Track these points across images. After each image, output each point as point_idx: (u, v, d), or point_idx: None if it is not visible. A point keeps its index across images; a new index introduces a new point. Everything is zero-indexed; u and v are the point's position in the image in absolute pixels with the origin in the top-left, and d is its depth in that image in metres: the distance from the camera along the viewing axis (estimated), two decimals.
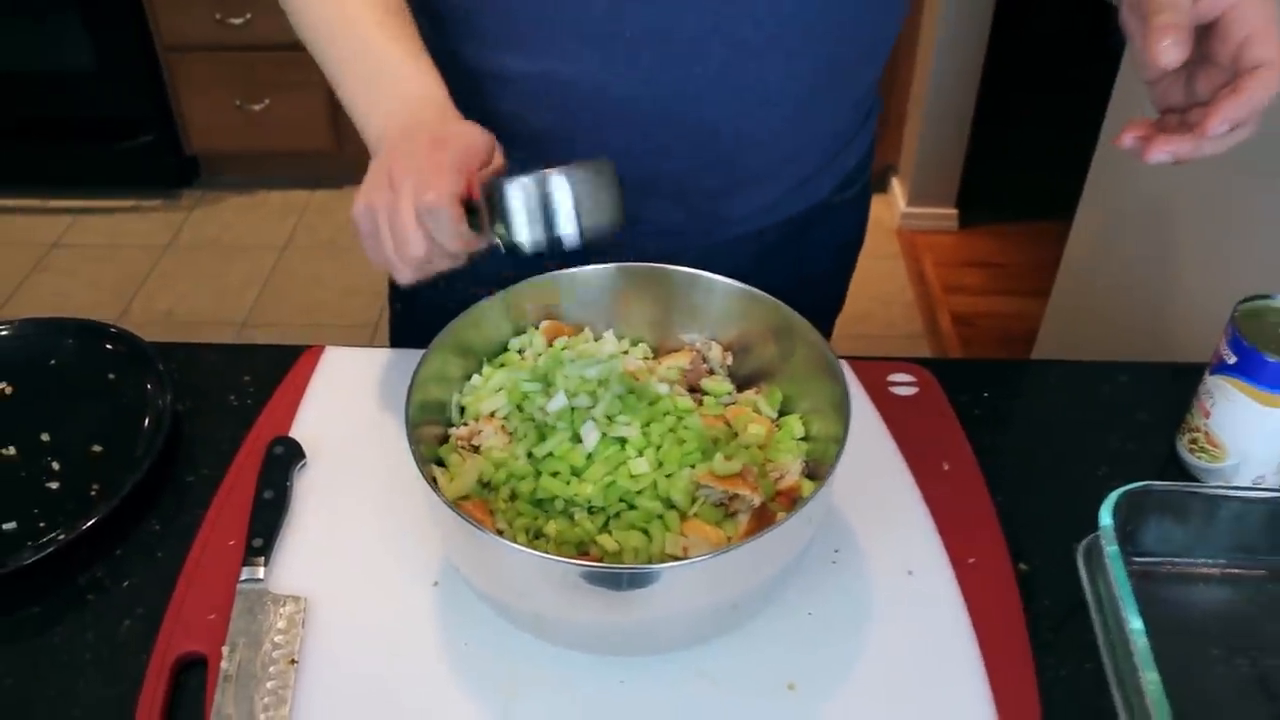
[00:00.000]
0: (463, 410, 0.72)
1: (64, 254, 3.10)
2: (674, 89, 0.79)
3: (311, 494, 0.78)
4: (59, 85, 3.11)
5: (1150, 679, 0.61)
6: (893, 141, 3.04)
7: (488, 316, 0.73)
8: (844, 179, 1.00)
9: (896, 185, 3.11)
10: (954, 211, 3.02)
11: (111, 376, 0.89)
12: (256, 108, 3.13)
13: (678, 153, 0.84)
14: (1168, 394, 0.86)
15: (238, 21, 2.98)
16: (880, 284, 2.86)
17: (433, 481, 0.61)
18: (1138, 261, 1.61)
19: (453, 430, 0.71)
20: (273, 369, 0.90)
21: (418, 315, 1.01)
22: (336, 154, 3.26)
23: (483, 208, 0.65)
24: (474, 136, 0.69)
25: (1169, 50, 0.65)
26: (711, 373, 0.75)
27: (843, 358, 0.88)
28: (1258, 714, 0.67)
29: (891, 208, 3.10)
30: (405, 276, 0.69)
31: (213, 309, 2.88)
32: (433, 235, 0.66)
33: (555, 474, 0.66)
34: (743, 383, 0.75)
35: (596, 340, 0.77)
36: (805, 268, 0.99)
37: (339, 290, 2.90)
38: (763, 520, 0.63)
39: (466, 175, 0.67)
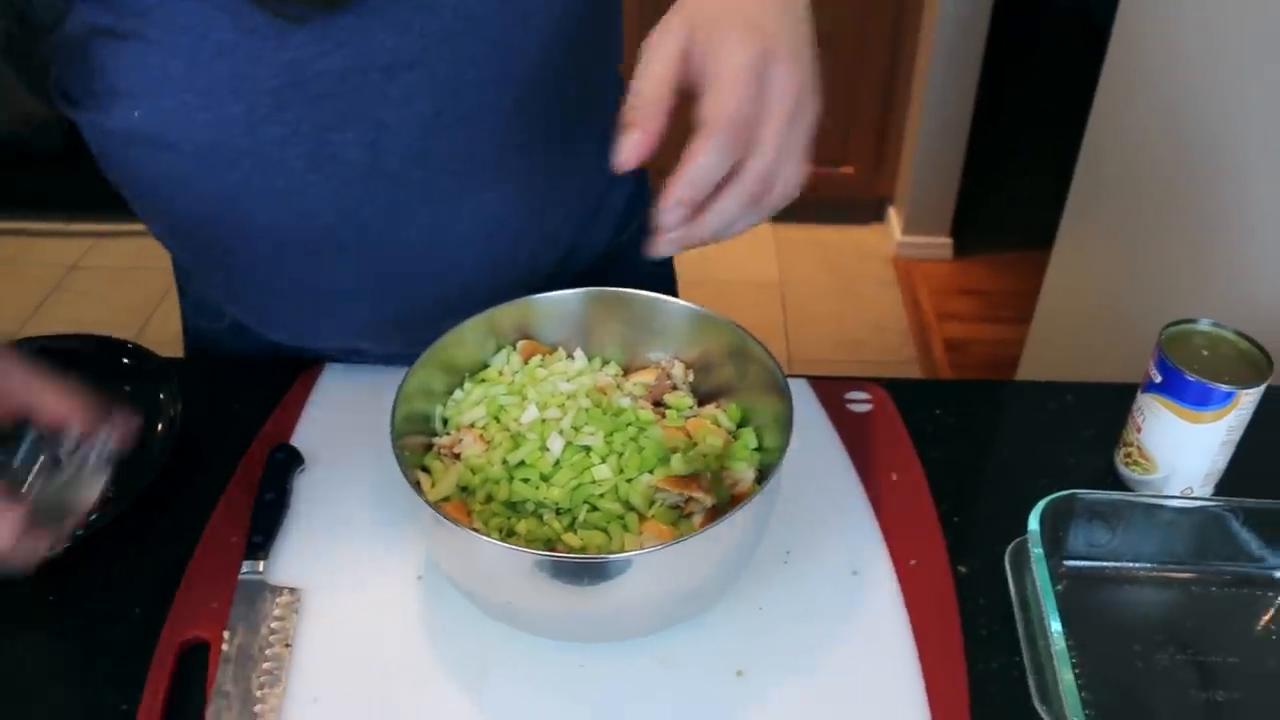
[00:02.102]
0: (445, 421, 0.79)
1: (83, 276, 3.18)
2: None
3: (308, 496, 0.85)
4: None
5: (1065, 677, 0.67)
6: (889, 173, 3.11)
7: (470, 336, 0.80)
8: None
9: (893, 215, 3.18)
10: (948, 241, 3.08)
11: (127, 388, 0.96)
12: None
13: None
14: (1108, 412, 0.92)
15: None
16: (876, 311, 2.93)
17: (416, 485, 0.68)
18: (1110, 289, 1.67)
19: (436, 439, 0.78)
20: (275, 383, 0.97)
21: None
22: None
23: None
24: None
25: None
26: (675, 388, 0.82)
27: (804, 376, 0.96)
28: (1174, 705, 0.73)
29: (888, 237, 3.17)
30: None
31: None
32: None
33: (526, 479, 0.72)
34: (703, 398, 0.82)
35: (570, 359, 0.84)
36: None
37: None
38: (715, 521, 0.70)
39: None
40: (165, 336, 2.98)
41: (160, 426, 0.91)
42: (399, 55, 0.74)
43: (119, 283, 3.14)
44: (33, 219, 3.37)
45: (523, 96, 0.80)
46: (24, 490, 0.67)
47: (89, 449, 0.68)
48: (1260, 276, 1.24)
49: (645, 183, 1.06)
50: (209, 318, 1.05)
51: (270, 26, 0.71)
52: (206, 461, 0.89)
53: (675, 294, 1.01)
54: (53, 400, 0.68)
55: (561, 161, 0.89)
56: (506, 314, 0.81)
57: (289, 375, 0.97)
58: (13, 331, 2.94)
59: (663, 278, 1.11)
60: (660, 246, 0.62)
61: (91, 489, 0.67)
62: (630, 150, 0.59)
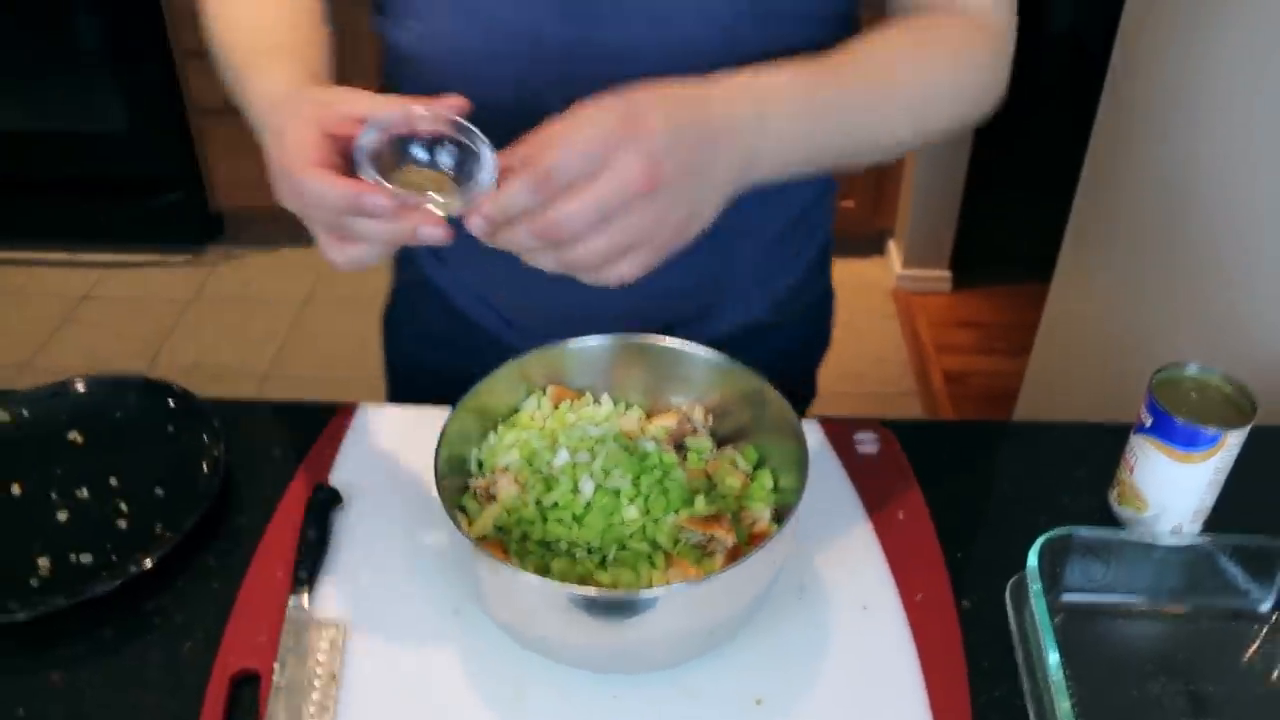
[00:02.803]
0: (480, 464, 0.84)
1: (93, 306, 3.23)
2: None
3: (348, 533, 0.89)
4: (92, 145, 3.27)
5: (1063, 706, 0.72)
6: (888, 206, 3.17)
7: (503, 382, 0.85)
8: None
9: (893, 248, 3.24)
10: (947, 273, 3.14)
11: (170, 429, 1.01)
12: None
13: None
14: (1103, 451, 0.97)
15: None
16: (876, 343, 2.98)
17: (459, 524, 0.73)
18: (1107, 322, 1.73)
19: (472, 481, 0.83)
20: (312, 423, 1.02)
21: (405, 393, 1.18)
22: None
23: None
24: (338, 97, 0.72)
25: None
26: (695, 432, 0.87)
27: (815, 418, 1.01)
28: None
29: (887, 270, 3.23)
30: (339, 257, 0.72)
31: (236, 361, 3.00)
32: (323, 203, 0.68)
33: (559, 520, 0.77)
34: (722, 440, 0.87)
35: (596, 403, 0.89)
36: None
37: (356, 343, 3.02)
38: (736, 559, 0.75)
39: (333, 131, 0.69)
40: (177, 369, 3.03)
41: (204, 466, 0.96)
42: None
43: (129, 314, 3.19)
44: (43, 249, 3.43)
45: None
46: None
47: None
48: (1251, 317, 1.29)
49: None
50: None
51: None
52: (249, 500, 0.94)
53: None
54: (383, 103, 0.71)
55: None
56: (537, 360, 0.87)
57: (323, 417, 1.02)
58: (24, 361, 2.98)
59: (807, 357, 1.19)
60: (471, 226, 0.68)
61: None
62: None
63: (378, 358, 1.30)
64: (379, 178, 0.68)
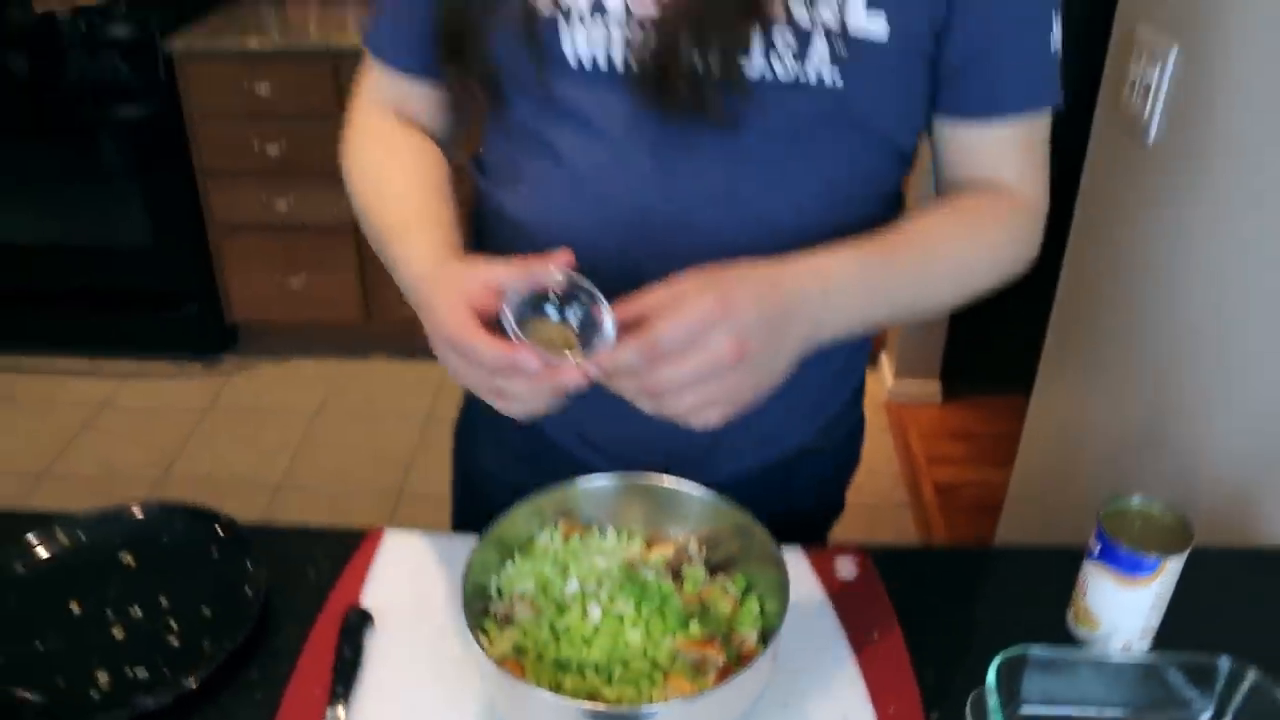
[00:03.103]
0: (500, 590, 0.94)
1: (112, 415, 3.35)
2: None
3: (380, 651, 0.99)
4: (117, 259, 3.44)
5: None
6: None
7: (520, 517, 0.96)
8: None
9: (885, 361, 3.36)
10: (938, 385, 3.26)
11: (215, 553, 1.11)
12: (295, 282, 3.41)
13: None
14: (1063, 575, 1.07)
15: (283, 205, 3.29)
16: (869, 456, 3.03)
17: (482, 646, 0.83)
18: (1078, 439, 1.83)
19: (492, 605, 0.93)
20: (343, 548, 1.12)
21: (475, 501, 1.27)
22: (365, 327, 3.53)
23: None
24: (480, 273, 0.85)
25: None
26: (690, 561, 0.97)
27: (798, 544, 1.11)
28: None
29: (880, 383, 3.35)
30: (511, 410, 0.86)
31: (249, 471, 3.10)
32: (481, 364, 0.82)
33: (570, 642, 0.88)
34: (714, 568, 0.97)
35: (602, 535, 1.00)
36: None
37: (367, 455, 3.13)
38: (726, 677, 0.85)
39: (480, 304, 0.83)
40: (191, 478, 3.13)
41: (246, 588, 1.06)
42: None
43: (146, 422, 3.30)
44: (64, 356, 3.56)
45: None
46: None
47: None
48: (1200, 447, 1.40)
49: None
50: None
51: (646, 143, 0.94)
52: (287, 620, 1.04)
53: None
54: (514, 270, 0.85)
55: None
56: (550, 498, 0.98)
57: (353, 542, 1.13)
58: (42, 469, 3.08)
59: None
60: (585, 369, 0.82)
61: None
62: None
63: (387, 470, 1.41)
64: (525, 339, 0.82)
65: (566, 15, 0.93)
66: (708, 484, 0.99)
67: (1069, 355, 1.89)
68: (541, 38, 0.94)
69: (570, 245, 0.88)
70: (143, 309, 3.51)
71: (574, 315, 0.85)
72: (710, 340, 0.79)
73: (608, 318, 0.83)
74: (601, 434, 1.13)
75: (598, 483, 0.99)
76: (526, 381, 0.82)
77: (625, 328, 0.82)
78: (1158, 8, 1.50)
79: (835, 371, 1.17)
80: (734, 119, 0.92)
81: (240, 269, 3.44)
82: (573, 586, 0.91)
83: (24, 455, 3.15)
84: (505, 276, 0.84)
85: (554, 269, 0.84)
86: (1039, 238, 1.06)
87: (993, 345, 3.36)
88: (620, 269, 0.94)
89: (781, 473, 1.18)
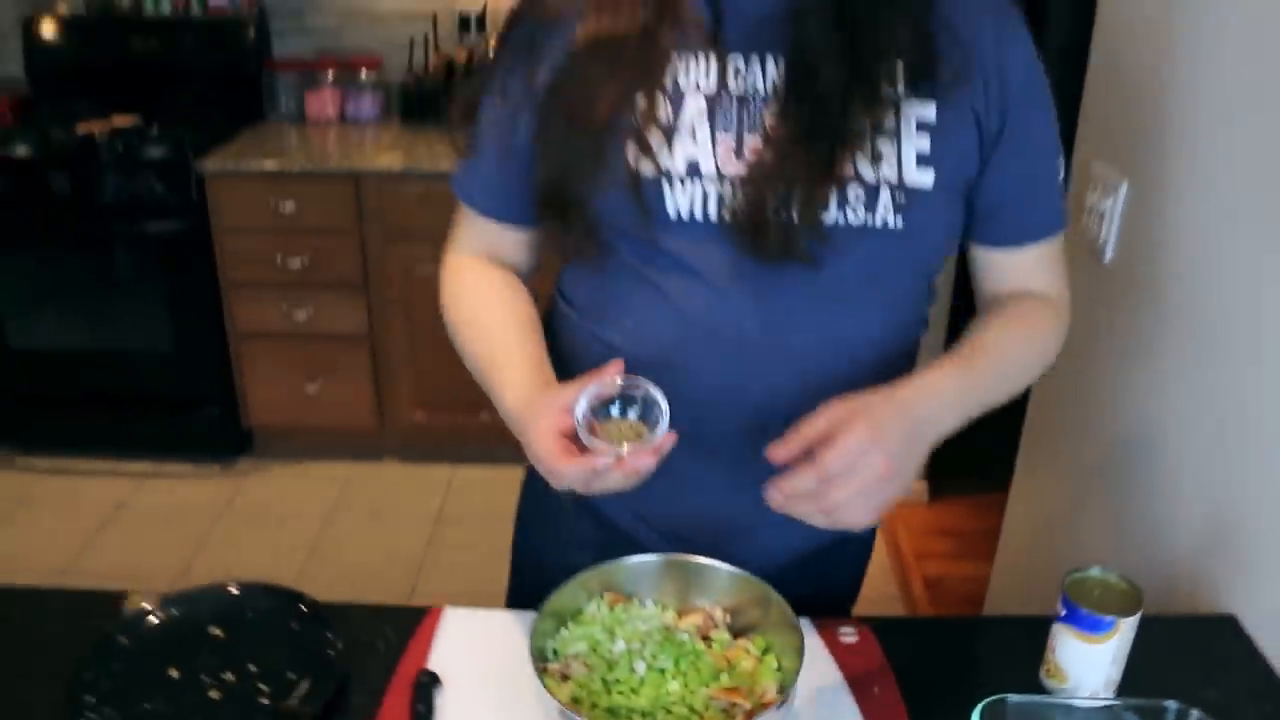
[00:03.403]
0: (555, 651, 1.10)
1: (131, 514, 3.46)
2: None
3: (448, 708, 1.14)
4: (139, 363, 3.59)
5: None
6: None
7: (570, 591, 1.13)
8: None
9: None
10: (924, 486, 3.43)
11: (294, 626, 1.26)
12: (311, 389, 3.57)
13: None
14: (1037, 639, 1.23)
15: (302, 315, 3.47)
16: None
17: (551, 691, 0.99)
18: (1048, 532, 2.00)
19: (549, 664, 1.09)
20: (408, 623, 1.28)
21: (532, 583, 1.40)
22: (378, 432, 3.68)
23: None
24: (558, 399, 1.06)
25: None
26: (717, 627, 1.13)
27: (807, 616, 1.27)
28: None
29: None
30: (594, 488, 1.04)
31: (265, 570, 3.14)
32: (575, 478, 1.02)
33: (620, 692, 1.04)
34: (738, 632, 1.14)
35: (642, 605, 1.16)
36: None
37: (380, 556, 3.25)
38: (753, 718, 1.01)
39: (564, 427, 1.04)
40: (209, 577, 3.22)
41: (330, 654, 1.21)
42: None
43: (164, 523, 3.41)
44: (86, 458, 3.68)
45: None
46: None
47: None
48: (1154, 527, 1.57)
49: None
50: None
51: (744, 281, 1.13)
52: (361, 683, 1.19)
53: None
54: (586, 384, 1.06)
55: None
56: (596, 574, 1.15)
57: (416, 615, 1.28)
58: (64, 567, 3.19)
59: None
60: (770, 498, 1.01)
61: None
62: (776, 453, 1.02)
63: (399, 570, 1.56)
64: (600, 443, 1.02)
65: (668, 177, 1.11)
66: (750, 561, 1.16)
67: (1042, 454, 2.07)
68: (647, 198, 1.12)
69: (681, 371, 1.11)
70: (162, 412, 3.65)
71: (634, 411, 1.06)
72: (867, 463, 0.98)
73: (664, 412, 1.03)
74: (657, 514, 1.29)
75: (637, 560, 1.16)
76: (608, 474, 1.02)
77: (794, 457, 1.01)
78: (1109, 147, 1.72)
79: None
80: (816, 260, 1.11)
81: (258, 375, 3.59)
82: (620, 646, 1.07)
83: (45, 554, 3.26)
84: (578, 393, 1.04)
85: (613, 378, 1.03)
86: (1067, 327, 1.29)
87: (975, 448, 3.53)
88: (723, 388, 1.16)
89: (816, 558, 1.35)
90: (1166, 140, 1.53)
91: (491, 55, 1.24)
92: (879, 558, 3.23)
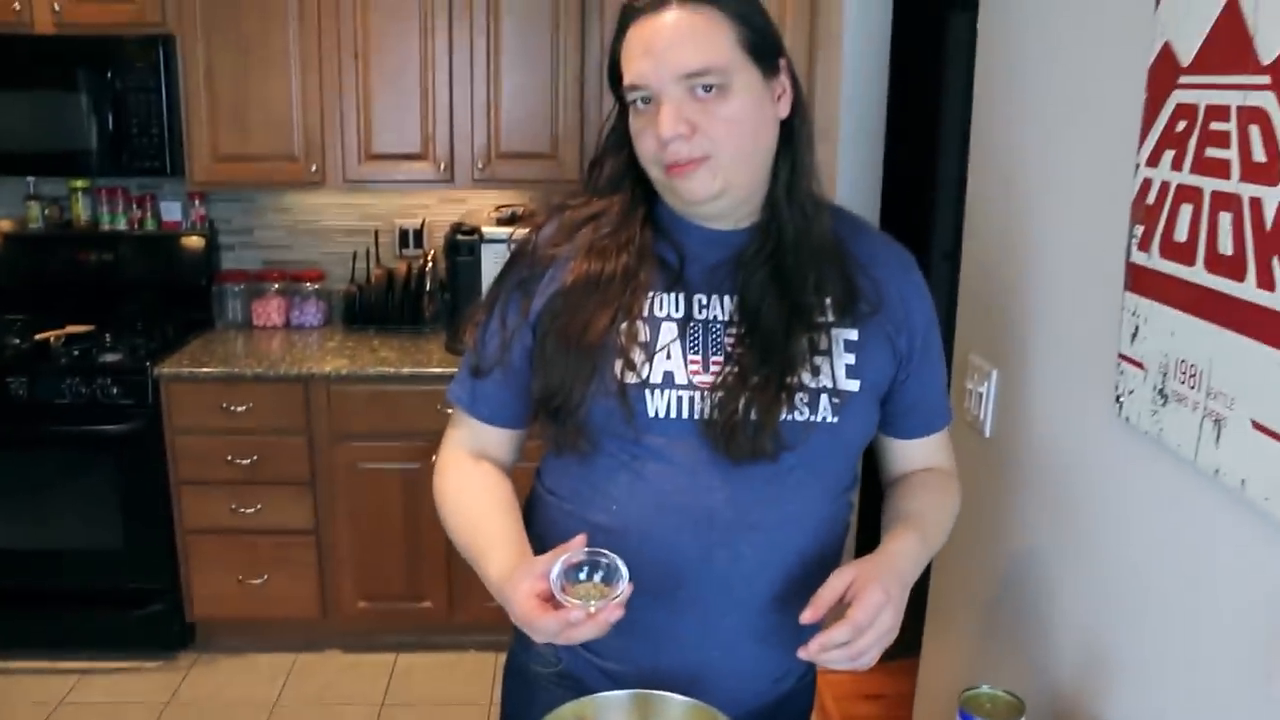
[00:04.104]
0: None
1: (69, 711, 3.44)
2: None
3: None
4: (86, 560, 3.65)
5: None
6: None
7: None
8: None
9: None
10: None
11: None
12: (256, 582, 3.67)
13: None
14: None
15: (250, 511, 3.61)
16: None
17: None
18: (965, 678, 2.21)
19: None
20: None
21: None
22: (322, 622, 3.78)
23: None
24: (536, 567, 1.26)
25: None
26: None
27: None
28: None
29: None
30: (568, 638, 1.24)
31: None
32: (551, 633, 1.23)
33: None
34: None
35: None
36: None
37: None
38: None
39: (540, 590, 1.24)
40: None
41: None
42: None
43: (104, 718, 3.43)
44: (24, 657, 3.68)
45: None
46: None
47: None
48: (1035, 656, 1.80)
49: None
50: (542, 663, 1.57)
51: (714, 468, 1.38)
52: None
53: None
54: (555, 556, 1.28)
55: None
56: (572, 709, 1.34)
57: None
58: None
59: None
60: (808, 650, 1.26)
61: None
62: (808, 616, 1.27)
63: None
64: (572, 600, 1.23)
65: (648, 385, 1.37)
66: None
67: (945, 618, 2.30)
68: (631, 402, 1.37)
69: (658, 542, 1.37)
70: (106, 608, 3.68)
71: (599, 575, 1.28)
72: (883, 618, 1.26)
73: (624, 572, 1.26)
74: (630, 672, 1.48)
75: (608, 696, 1.36)
76: (579, 626, 1.22)
77: (819, 617, 1.28)
78: (981, 343, 2.03)
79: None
80: (775, 450, 1.38)
81: (204, 569, 3.67)
82: None
83: None
84: (550, 562, 1.26)
85: (579, 548, 1.27)
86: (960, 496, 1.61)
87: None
88: (694, 555, 1.39)
89: (773, 705, 1.56)
90: (1024, 334, 1.84)
91: (491, 290, 1.52)
92: None
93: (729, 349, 1.39)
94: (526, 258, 1.48)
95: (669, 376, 1.38)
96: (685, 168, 1.34)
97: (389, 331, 4.03)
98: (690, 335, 1.40)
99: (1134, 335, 1.43)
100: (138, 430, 3.52)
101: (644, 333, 1.39)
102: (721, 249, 1.43)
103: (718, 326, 1.41)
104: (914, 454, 1.58)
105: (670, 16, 1.31)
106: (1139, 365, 1.41)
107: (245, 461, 3.57)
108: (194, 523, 3.64)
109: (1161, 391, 1.35)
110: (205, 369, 3.53)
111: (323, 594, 3.71)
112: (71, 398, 3.50)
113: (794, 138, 1.41)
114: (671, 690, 1.37)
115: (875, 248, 1.50)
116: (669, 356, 1.38)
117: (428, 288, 4.07)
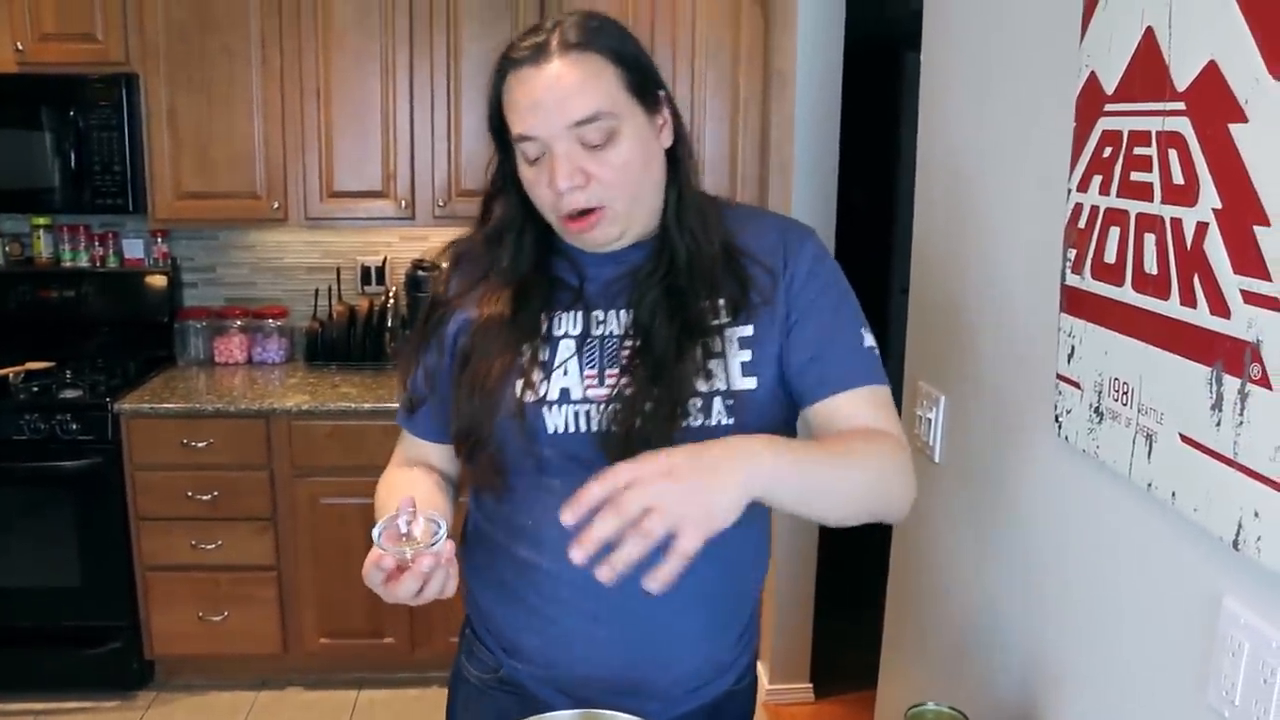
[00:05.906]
0: None
1: None
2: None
3: None
4: (42, 599, 3.61)
5: None
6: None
7: None
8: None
9: (761, 668, 3.74)
10: (809, 685, 3.65)
11: None
12: (216, 619, 3.66)
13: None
14: None
15: (211, 547, 3.60)
16: None
17: None
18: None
19: None
20: None
21: None
22: (283, 658, 3.76)
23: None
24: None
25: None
26: None
27: None
28: None
29: (759, 687, 3.71)
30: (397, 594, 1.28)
31: None
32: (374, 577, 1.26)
33: None
34: None
35: None
36: None
37: None
38: None
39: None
40: None
41: None
42: None
43: None
44: None
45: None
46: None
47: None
48: (990, 677, 1.83)
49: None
50: (482, 669, 1.60)
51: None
52: None
53: None
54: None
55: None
56: None
57: None
58: None
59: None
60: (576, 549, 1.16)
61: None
62: (567, 516, 1.16)
63: None
64: (390, 547, 1.27)
65: (544, 401, 1.42)
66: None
67: (899, 646, 2.33)
68: (529, 420, 1.41)
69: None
70: (62, 646, 3.65)
71: (418, 530, 1.31)
72: (646, 467, 1.13)
73: (443, 527, 1.31)
74: (570, 681, 1.50)
75: (553, 716, 1.38)
76: (405, 580, 1.26)
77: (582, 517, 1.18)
78: (930, 370, 2.08)
79: (740, 633, 1.59)
80: None
81: (163, 606, 3.65)
82: None
83: None
84: (380, 524, 1.31)
85: (406, 511, 1.32)
86: (914, 480, 1.42)
87: (852, 648, 3.78)
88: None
89: (711, 707, 1.57)
90: (970, 360, 1.89)
91: (411, 336, 1.60)
92: None
93: (624, 361, 1.43)
94: (440, 306, 1.56)
95: (565, 393, 1.42)
96: (584, 220, 1.39)
97: (351, 367, 4.05)
98: (587, 350, 1.44)
99: (1070, 355, 1.47)
100: (97, 467, 3.52)
101: (544, 353, 1.44)
102: (618, 265, 1.47)
103: (613, 340, 1.45)
104: (828, 417, 1.43)
105: (554, 68, 1.33)
106: (1076, 385, 1.45)
107: (206, 497, 3.56)
108: (153, 559, 3.63)
109: (1097, 410, 1.39)
110: (166, 404, 3.53)
111: (284, 630, 3.70)
112: (30, 434, 3.49)
113: (679, 166, 1.46)
114: (612, 696, 1.39)
115: (766, 233, 1.50)
116: (565, 373, 1.43)
117: (389, 324, 4.09)
